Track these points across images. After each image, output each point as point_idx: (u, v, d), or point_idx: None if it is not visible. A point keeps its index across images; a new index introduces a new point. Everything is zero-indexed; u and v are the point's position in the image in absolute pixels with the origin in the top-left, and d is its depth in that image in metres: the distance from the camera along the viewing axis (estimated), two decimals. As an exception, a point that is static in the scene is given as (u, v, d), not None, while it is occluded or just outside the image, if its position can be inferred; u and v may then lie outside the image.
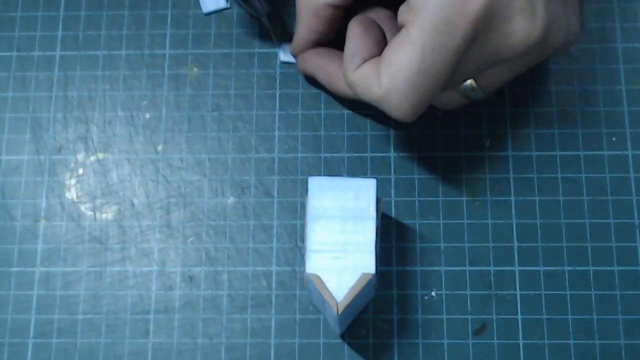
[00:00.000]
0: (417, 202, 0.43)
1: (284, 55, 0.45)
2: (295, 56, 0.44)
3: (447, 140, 0.44)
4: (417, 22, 0.36)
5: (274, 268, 0.42)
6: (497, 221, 0.43)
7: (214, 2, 0.47)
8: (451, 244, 0.42)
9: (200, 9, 0.47)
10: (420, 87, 0.36)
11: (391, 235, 0.43)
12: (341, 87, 0.42)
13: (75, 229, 0.43)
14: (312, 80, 0.45)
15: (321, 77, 0.43)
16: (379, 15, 0.41)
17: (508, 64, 0.38)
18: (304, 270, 0.37)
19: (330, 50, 0.43)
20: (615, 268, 0.42)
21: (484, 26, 0.35)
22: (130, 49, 0.46)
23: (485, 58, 0.37)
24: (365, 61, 0.38)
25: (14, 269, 0.43)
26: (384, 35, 0.40)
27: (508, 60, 0.37)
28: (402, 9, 0.37)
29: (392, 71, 0.36)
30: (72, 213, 0.44)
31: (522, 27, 0.36)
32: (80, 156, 0.45)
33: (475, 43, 0.36)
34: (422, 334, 0.41)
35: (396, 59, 0.36)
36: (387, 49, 0.37)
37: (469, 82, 0.39)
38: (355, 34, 0.39)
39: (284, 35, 0.46)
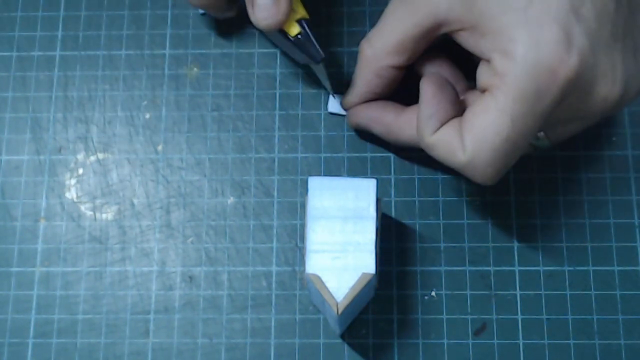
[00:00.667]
0: (417, 202, 0.43)
1: (333, 107, 0.44)
2: (346, 109, 0.43)
3: (447, 140, 0.44)
4: (504, 88, 0.35)
5: (274, 268, 0.42)
6: (497, 221, 0.43)
7: (337, 107, 0.45)
8: (451, 244, 0.42)
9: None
10: (507, 154, 0.36)
11: (391, 235, 0.43)
12: (402, 136, 0.41)
13: (75, 229, 0.43)
14: (363, 134, 0.44)
15: (377, 129, 0.42)
16: (443, 69, 0.40)
17: (583, 120, 0.38)
18: (304, 270, 0.37)
19: (382, 101, 0.42)
20: (615, 268, 0.42)
21: (571, 91, 0.35)
22: (130, 49, 0.46)
23: (564, 116, 0.36)
24: (442, 123, 0.37)
25: (14, 269, 0.43)
26: (457, 94, 0.38)
27: (584, 118, 0.37)
28: (484, 71, 0.36)
29: (478, 138, 0.36)
30: (72, 213, 0.44)
31: (603, 89, 0.35)
32: (80, 156, 0.45)
33: (554, 112, 0.36)
34: (422, 334, 0.41)
35: (482, 125, 0.35)
36: (470, 113, 0.36)
37: (540, 133, 0.38)
38: (429, 95, 0.37)
39: (334, 85, 0.45)
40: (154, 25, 0.46)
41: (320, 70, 0.43)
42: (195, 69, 0.46)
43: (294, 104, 0.45)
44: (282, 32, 0.41)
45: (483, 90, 0.37)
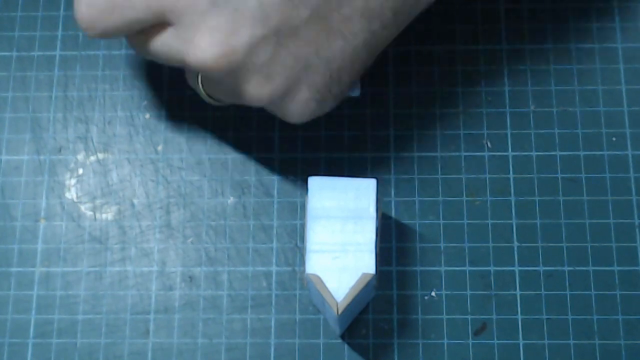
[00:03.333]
0: (417, 202, 0.43)
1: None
2: None
3: (447, 140, 0.44)
4: None
5: (274, 268, 0.42)
6: (497, 221, 0.43)
7: None
8: (451, 244, 0.42)
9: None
10: (104, 8, 0.36)
11: (391, 235, 0.43)
12: None
13: (75, 229, 0.43)
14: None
15: None
16: None
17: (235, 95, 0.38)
18: (304, 270, 0.37)
19: None
20: (615, 268, 0.42)
21: (172, 14, 0.35)
22: (130, 49, 0.46)
23: (169, 50, 0.37)
24: None
25: (14, 269, 0.43)
26: None
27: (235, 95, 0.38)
28: None
29: None
30: (72, 213, 0.44)
31: (203, 41, 0.35)
32: (80, 156, 0.45)
33: (168, 27, 0.36)
34: (422, 334, 0.41)
35: None
36: None
37: (201, 84, 0.39)
38: None
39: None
40: (154, 25, 0.46)
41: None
42: (195, 69, 0.46)
43: (294, 104, 0.45)
44: None
45: None
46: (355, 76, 0.38)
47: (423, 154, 0.44)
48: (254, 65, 0.35)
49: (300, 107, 0.37)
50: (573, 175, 0.43)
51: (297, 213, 0.43)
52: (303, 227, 0.43)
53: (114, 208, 0.44)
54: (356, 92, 0.41)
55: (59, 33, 0.47)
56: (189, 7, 0.35)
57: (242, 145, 0.44)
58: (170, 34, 0.36)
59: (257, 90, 0.36)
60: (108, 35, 0.37)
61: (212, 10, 0.34)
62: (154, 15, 0.36)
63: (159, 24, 0.36)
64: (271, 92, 0.36)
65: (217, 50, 0.35)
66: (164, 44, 0.37)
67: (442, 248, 0.42)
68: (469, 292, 0.42)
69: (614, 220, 0.42)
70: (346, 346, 0.41)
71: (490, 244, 0.42)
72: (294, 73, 0.36)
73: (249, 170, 0.44)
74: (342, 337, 0.41)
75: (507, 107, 0.44)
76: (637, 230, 0.42)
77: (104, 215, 0.44)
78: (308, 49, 0.36)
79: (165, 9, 0.35)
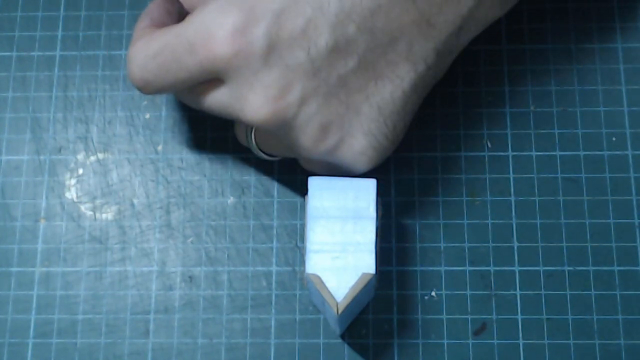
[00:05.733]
0: (417, 202, 0.43)
1: None
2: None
3: (447, 140, 0.44)
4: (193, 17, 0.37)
5: (274, 268, 0.42)
6: (497, 221, 0.43)
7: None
8: (451, 244, 0.42)
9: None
10: (150, 68, 0.37)
11: (391, 235, 0.43)
12: None
13: (75, 229, 0.43)
14: None
15: None
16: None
17: (287, 149, 0.39)
18: (304, 270, 0.37)
19: None
20: (615, 268, 0.42)
21: (224, 72, 0.36)
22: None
23: (224, 106, 0.37)
24: (153, 24, 0.39)
25: (14, 269, 0.43)
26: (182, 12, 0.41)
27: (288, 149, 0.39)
28: None
29: (143, 42, 0.38)
30: (72, 213, 0.44)
31: (256, 98, 0.36)
32: (80, 156, 0.45)
33: (222, 84, 0.37)
34: (422, 334, 0.41)
35: (152, 33, 0.38)
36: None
37: (254, 138, 0.40)
38: (153, 3, 0.41)
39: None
40: (154, 25, 0.46)
41: None
42: (195, 69, 0.46)
43: (294, 104, 0.45)
44: None
45: None
46: (408, 120, 0.39)
47: (423, 154, 0.44)
48: (308, 117, 0.36)
49: (359, 156, 0.37)
50: (573, 175, 0.43)
51: (297, 213, 0.43)
52: (303, 227, 0.43)
53: (114, 208, 0.44)
54: None
55: (59, 33, 0.47)
56: (242, 66, 0.35)
57: (242, 145, 0.44)
58: (223, 91, 0.37)
59: (313, 141, 0.37)
60: (163, 92, 0.38)
61: (264, 68, 0.35)
62: (206, 75, 0.36)
63: (212, 80, 0.37)
64: (326, 142, 0.37)
65: (271, 107, 0.35)
66: (217, 100, 0.37)
67: (442, 248, 0.42)
68: (469, 292, 0.42)
69: (614, 220, 0.42)
70: (346, 346, 0.41)
71: (490, 244, 0.42)
72: (347, 122, 0.37)
73: (249, 170, 0.44)
74: (342, 337, 0.41)
75: (507, 107, 0.44)
76: (637, 230, 0.42)
77: (104, 215, 0.44)
78: (359, 97, 0.36)
79: (219, 69, 0.36)
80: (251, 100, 0.36)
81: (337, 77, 0.36)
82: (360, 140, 0.37)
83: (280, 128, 0.36)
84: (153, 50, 0.37)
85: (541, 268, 0.42)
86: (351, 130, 0.37)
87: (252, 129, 0.40)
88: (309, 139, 0.37)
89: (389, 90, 0.37)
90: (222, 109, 0.37)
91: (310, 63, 0.35)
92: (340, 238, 0.36)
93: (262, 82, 0.35)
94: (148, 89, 0.38)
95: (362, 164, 0.38)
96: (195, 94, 0.38)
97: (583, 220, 0.43)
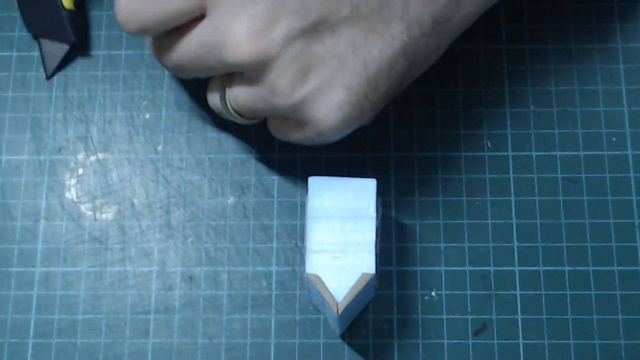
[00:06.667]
0: (417, 202, 0.43)
1: None
2: None
3: (447, 140, 0.44)
4: None
5: (274, 268, 0.42)
6: (497, 221, 0.43)
7: None
8: (451, 244, 0.42)
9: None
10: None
11: (391, 235, 0.43)
12: None
13: (75, 229, 0.43)
14: None
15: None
16: None
17: (242, 76, 0.37)
18: (304, 270, 0.37)
19: None
20: (615, 268, 0.42)
21: (211, 1, 0.36)
22: (130, 49, 0.46)
23: (203, 41, 0.36)
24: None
25: (14, 269, 0.43)
26: None
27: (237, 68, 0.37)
28: None
29: None
30: (72, 213, 0.44)
31: (241, 31, 0.35)
32: (80, 156, 0.45)
33: (204, 20, 0.36)
34: (422, 334, 0.41)
35: None
36: None
37: (229, 102, 0.39)
38: None
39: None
40: (154, 25, 0.46)
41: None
42: (195, 69, 0.46)
43: (294, 104, 0.45)
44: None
45: None
46: (392, 88, 0.37)
47: (423, 154, 0.44)
48: (290, 57, 0.35)
49: (334, 111, 0.36)
50: (573, 175, 0.43)
51: (297, 213, 0.43)
52: (303, 227, 0.43)
53: (114, 208, 0.44)
54: None
55: (59, 33, 0.46)
56: None
57: (242, 145, 0.44)
58: (204, 25, 0.36)
59: (290, 85, 0.35)
60: (147, 29, 0.37)
61: None
62: (192, 6, 0.35)
63: (194, 20, 0.36)
64: (304, 87, 0.35)
65: (254, 41, 0.34)
66: (197, 38, 0.36)
67: (442, 248, 0.42)
68: (469, 292, 0.42)
69: (614, 220, 0.42)
70: (346, 346, 0.41)
71: (490, 244, 0.42)
72: (329, 70, 0.35)
73: (249, 170, 0.44)
74: (342, 337, 0.41)
75: (507, 107, 0.44)
76: (637, 230, 0.42)
77: (104, 215, 0.44)
78: (345, 48, 0.35)
79: None
80: (234, 31, 0.34)
81: (326, 23, 0.35)
82: (339, 93, 0.36)
83: (259, 67, 0.35)
84: None
85: (541, 268, 0.42)
86: (332, 80, 0.36)
87: (225, 88, 0.39)
88: (286, 83, 0.35)
89: (378, 48, 0.36)
90: (202, 46, 0.36)
91: (300, 3, 0.34)
92: (340, 238, 0.36)
93: (247, 12, 0.34)
94: (132, 24, 0.37)
95: (335, 121, 0.36)
96: (175, 36, 0.37)
97: (583, 220, 0.43)
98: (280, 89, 0.35)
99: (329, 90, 0.36)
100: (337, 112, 0.36)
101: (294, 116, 0.37)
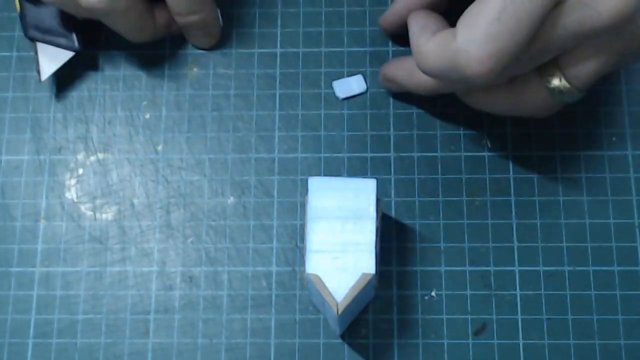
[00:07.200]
0: (417, 202, 0.43)
1: (341, 91, 0.45)
2: (382, 27, 0.45)
3: (447, 140, 0.44)
4: None
5: (274, 268, 0.42)
6: (497, 221, 0.43)
7: (345, 90, 0.45)
8: (451, 244, 0.42)
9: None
10: (499, 37, 0.34)
11: (391, 235, 0.43)
12: (421, 76, 0.41)
13: (75, 229, 0.43)
14: (395, 94, 0.45)
15: (400, 74, 0.42)
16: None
17: (595, 47, 0.36)
18: (304, 270, 0.37)
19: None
20: (615, 268, 0.42)
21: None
22: (130, 49, 0.46)
23: (570, 27, 0.35)
24: (435, 33, 0.37)
25: (14, 269, 0.43)
26: (446, 22, 0.40)
27: (595, 41, 0.36)
28: None
29: (470, 23, 0.35)
30: (72, 213, 0.44)
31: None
32: (80, 156, 0.45)
33: (561, 6, 0.35)
34: (422, 334, 0.41)
35: (474, 11, 0.35)
36: (466, 11, 0.36)
37: (558, 82, 0.37)
38: (419, 15, 0.40)
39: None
40: (154, 25, 0.46)
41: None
42: (195, 69, 0.46)
43: (294, 104, 0.45)
44: None
45: None
46: None
47: (423, 154, 0.44)
48: None
49: None
50: (573, 175, 0.43)
51: (297, 213, 0.43)
52: (303, 227, 0.43)
53: (114, 208, 0.44)
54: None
55: (59, 33, 0.46)
56: None
57: (242, 145, 0.44)
58: (570, 9, 0.35)
59: None
60: (511, 60, 0.35)
61: None
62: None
63: (552, 10, 0.35)
64: None
65: None
66: (572, 20, 0.35)
67: (442, 248, 0.42)
68: (469, 292, 0.42)
69: (614, 220, 0.42)
70: (346, 346, 0.41)
71: (490, 244, 0.42)
72: None
73: (249, 170, 0.44)
74: (342, 337, 0.41)
75: (507, 107, 0.44)
76: (637, 230, 0.42)
77: (104, 215, 0.44)
78: None
79: None
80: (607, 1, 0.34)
81: None
82: None
83: (631, 16, 0.34)
84: (491, 15, 0.35)
85: (541, 268, 0.42)
86: None
87: (555, 78, 0.38)
88: None
89: None
90: (576, 28, 0.35)
91: None
92: (340, 238, 0.36)
93: None
94: (500, 64, 0.35)
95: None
96: (540, 33, 0.35)
97: (583, 220, 0.43)
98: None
99: None
100: None
101: None
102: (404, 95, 0.44)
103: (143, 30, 0.44)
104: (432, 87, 0.41)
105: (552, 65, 0.37)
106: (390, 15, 0.44)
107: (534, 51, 0.36)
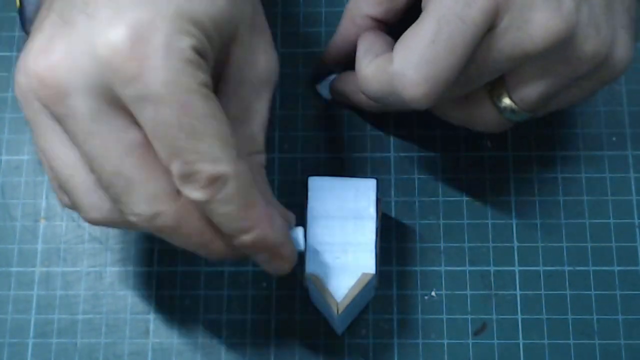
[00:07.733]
0: (417, 202, 0.43)
1: (324, 91, 0.45)
2: (325, 63, 0.44)
3: (447, 140, 0.44)
4: (433, 0, 0.35)
5: (274, 268, 0.42)
6: (497, 221, 0.43)
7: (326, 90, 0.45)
8: (451, 244, 0.42)
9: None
10: (435, 59, 0.34)
11: (391, 235, 0.43)
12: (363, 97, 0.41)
13: (75, 229, 0.43)
14: (340, 103, 0.44)
15: (349, 89, 0.42)
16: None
17: (540, 70, 0.36)
18: (304, 270, 0.37)
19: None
20: (615, 268, 0.42)
21: (504, 5, 0.34)
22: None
23: (505, 51, 0.35)
24: (377, 56, 0.37)
25: (14, 269, 0.43)
26: (393, 42, 0.38)
27: (539, 64, 0.36)
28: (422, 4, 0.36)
29: (406, 46, 0.35)
30: (72, 213, 0.44)
31: (543, 15, 0.34)
32: (80, 156, 0.45)
33: (495, 30, 0.35)
34: (422, 334, 0.41)
35: (410, 35, 0.35)
36: (403, 34, 0.36)
37: (506, 101, 0.37)
38: (367, 37, 0.38)
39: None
40: (154, 25, 0.46)
41: None
42: (195, 69, 0.46)
43: (294, 104, 0.45)
44: None
45: None
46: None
47: (423, 154, 0.44)
48: (585, 21, 0.35)
49: (627, 52, 0.36)
50: (573, 175, 0.43)
51: (297, 213, 0.43)
52: (303, 227, 0.43)
53: (114, 208, 0.44)
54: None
55: (59, 33, 0.46)
56: None
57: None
58: (501, 31, 0.35)
59: (593, 44, 0.35)
60: (448, 85, 0.35)
61: None
62: (487, 23, 0.34)
63: (484, 36, 0.35)
64: (599, 39, 0.35)
65: (559, 17, 0.34)
66: (500, 45, 0.35)
67: (442, 248, 0.42)
68: (469, 292, 0.42)
69: (614, 220, 0.42)
70: (346, 346, 0.41)
71: (490, 244, 0.42)
72: (609, 18, 0.36)
73: (249, 170, 0.44)
74: (342, 337, 0.41)
75: (507, 107, 0.44)
76: (637, 230, 0.42)
77: (104, 215, 0.43)
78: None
79: (499, 3, 0.34)
80: (538, 20, 0.34)
81: None
82: (623, 34, 0.36)
83: (567, 40, 0.35)
84: (426, 38, 0.34)
85: (541, 268, 0.42)
86: (614, 25, 0.36)
87: (500, 99, 0.38)
88: (590, 43, 0.35)
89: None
90: (509, 52, 0.35)
91: None
92: (340, 238, 0.36)
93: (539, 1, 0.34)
94: (436, 88, 0.35)
95: (629, 60, 0.37)
96: (476, 57, 0.36)
97: (583, 220, 0.43)
98: (586, 53, 0.35)
99: (618, 37, 0.36)
100: (628, 52, 0.36)
101: (599, 71, 0.37)
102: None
103: (208, 246, 0.35)
104: (377, 106, 0.40)
105: (501, 84, 0.37)
106: (332, 50, 0.42)
107: (471, 74, 0.36)
